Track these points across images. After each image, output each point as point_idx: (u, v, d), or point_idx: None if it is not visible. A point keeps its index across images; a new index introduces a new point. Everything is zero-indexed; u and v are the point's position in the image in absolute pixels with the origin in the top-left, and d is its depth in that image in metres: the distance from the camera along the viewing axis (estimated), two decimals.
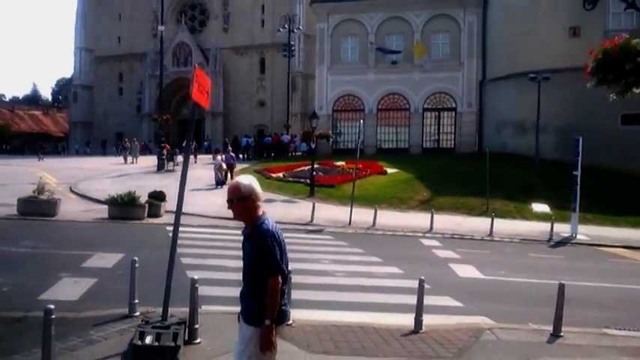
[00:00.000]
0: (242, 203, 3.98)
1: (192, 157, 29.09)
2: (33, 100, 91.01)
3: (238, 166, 28.58)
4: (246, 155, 37.38)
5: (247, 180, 4.04)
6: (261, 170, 26.71)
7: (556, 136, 27.75)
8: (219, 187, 22.38)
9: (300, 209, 18.61)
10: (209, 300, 7.53)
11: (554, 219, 16.70)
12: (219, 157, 23.48)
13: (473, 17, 34.82)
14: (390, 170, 26.00)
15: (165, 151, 30.02)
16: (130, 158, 35.72)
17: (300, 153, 37.26)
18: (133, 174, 27.31)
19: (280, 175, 25.28)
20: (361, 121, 20.30)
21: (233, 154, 27.89)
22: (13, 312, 6.99)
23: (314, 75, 39.60)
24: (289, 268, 4.03)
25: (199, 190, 21.70)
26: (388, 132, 36.16)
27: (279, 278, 3.75)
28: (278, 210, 18.41)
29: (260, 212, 4.01)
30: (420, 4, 35.02)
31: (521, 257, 13.19)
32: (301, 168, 26.55)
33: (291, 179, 24.23)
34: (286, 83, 44.59)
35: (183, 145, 36.93)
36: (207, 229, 14.79)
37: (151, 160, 32.81)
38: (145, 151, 52.21)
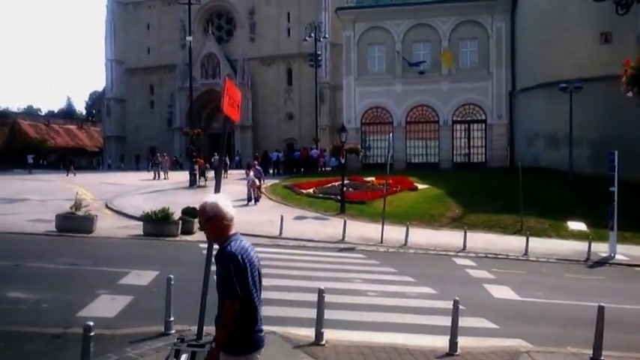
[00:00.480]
0: (210, 223, 3.90)
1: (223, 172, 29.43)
2: (68, 114, 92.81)
3: (269, 182, 28.87)
4: (276, 170, 37.67)
5: (212, 199, 3.95)
6: (291, 186, 26.91)
7: (590, 149, 27.15)
8: (250, 203, 22.64)
9: (331, 227, 18.70)
10: None
11: (591, 238, 16.37)
12: (251, 173, 23.76)
13: (501, 23, 34.50)
14: (420, 186, 25.93)
15: (197, 167, 30.55)
16: (161, 174, 36.16)
17: (329, 168, 37.37)
18: (166, 190, 27.84)
19: (311, 191, 25.43)
20: (390, 134, 20.34)
21: (259, 168, 27.84)
22: (52, 328, 7.21)
23: (341, 86, 39.80)
24: (259, 294, 3.88)
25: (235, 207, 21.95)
26: (417, 146, 36.06)
27: (236, 303, 3.67)
28: (309, 227, 18.58)
29: (230, 232, 3.95)
30: (447, 10, 34.89)
31: (557, 278, 12.97)
32: (331, 184, 26.66)
33: (321, 195, 24.35)
34: (314, 94, 44.92)
35: (213, 159, 37.28)
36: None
37: (182, 176, 33.44)
38: (176, 166, 53.11)
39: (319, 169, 37.50)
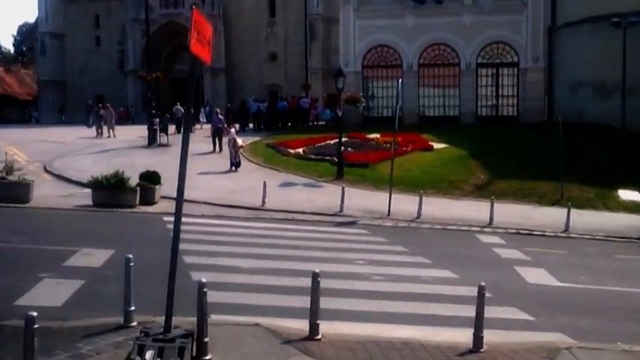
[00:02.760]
0: None
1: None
2: None
3: (248, 139, 28.82)
4: (257, 125, 37.55)
5: None
6: (276, 145, 26.93)
7: None
8: (232, 169, 22.69)
9: (326, 195, 18.83)
10: (219, 308, 7.71)
11: None
12: (232, 131, 23.66)
13: None
14: (436, 145, 25.99)
15: (157, 120, 30.35)
16: (104, 130, 34.58)
17: (323, 122, 37.29)
18: (119, 149, 27.71)
19: (300, 151, 25.47)
20: (399, 80, 20.27)
21: (221, 117, 28.33)
22: None
23: (337, 19, 39.25)
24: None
25: (206, 172, 22.11)
26: (433, 95, 35.94)
27: None
28: (299, 196, 18.73)
29: None
30: None
31: (605, 259, 13.17)
32: (326, 142, 26.65)
33: (313, 157, 24.39)
34: (303, 30, 44.38)
35: (175, 109, 37.10)
36: (215, 221, 15.18)
37: (135, 132, 33.31)
38: (127, 119, 52.53)
39: (310, 124, 37.40)
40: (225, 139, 25.22)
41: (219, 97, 55.32)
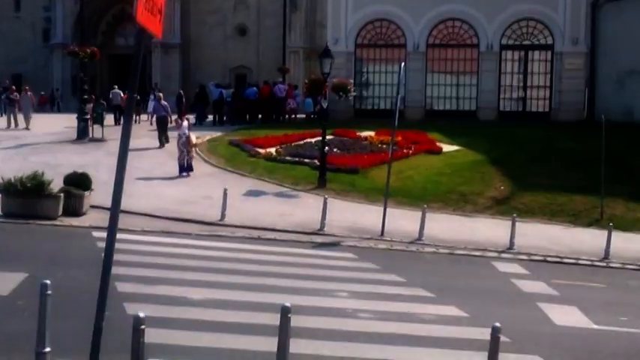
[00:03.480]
0: None
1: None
2: None
3: (206, 135, 28.76)
4: (218, 117, 37.51)
5: None
6: (242, 142, 27.02)
7: None
8: (184, 174, 22.61)
9: (303, 208, 18.94)
10: (160, 351, 7.71)
11: None
12: (185, 124, 23.51)
13: None
14: (446, 147, 26.21)
15: (91, 107, 30.17)
16: (19, 119, 33.66)
17: (303, 115, 37.48)
18: (40, 144, 27.59)
19: (272, 151, 25.55)
20: (402, 64, 20.32)
21: (165, 104, 28.54)
22: None
23: None
24: None
25: (152, 176, 22.09)
26: (444, 83, 36.16)
27: None
28: (268, 209, 18.82)
29: None
30: None
31: None
32: (306, 140, 26.74)
33: (289, 158, 24.47)
34: None
35: (111, 95, 37.42)
36: (159, 238, 15.22)
37: (62, 122, 33.15)
38: (52, 105, 52.23)
39: (287, 117, 37.48)
40: (174, 135, 25.15)
41: (171, 81, 55.33)
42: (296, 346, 7.36)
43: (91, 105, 30.57)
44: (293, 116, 37.63)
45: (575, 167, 22.83)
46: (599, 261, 15.90)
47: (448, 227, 18.03)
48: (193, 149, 23.65)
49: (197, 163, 23.55)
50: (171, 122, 27.25)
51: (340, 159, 23.87)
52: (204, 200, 19.08)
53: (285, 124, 34.27)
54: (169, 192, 20.21)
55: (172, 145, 24.84)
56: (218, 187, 19.13)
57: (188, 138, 22.77)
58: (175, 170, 22.67)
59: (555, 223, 19.40)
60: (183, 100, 35.92)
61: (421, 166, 23.91)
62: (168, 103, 29.96)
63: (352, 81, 32.17)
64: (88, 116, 29.52)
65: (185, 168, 22.68)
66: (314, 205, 18.46)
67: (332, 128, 25.98)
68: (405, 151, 24.82)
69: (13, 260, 11.92)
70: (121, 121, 27.50)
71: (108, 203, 6.74)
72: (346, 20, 36.17)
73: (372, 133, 27.25)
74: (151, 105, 34.69)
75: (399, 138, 24.48)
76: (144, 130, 30.38)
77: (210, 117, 37.08)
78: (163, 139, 27.12)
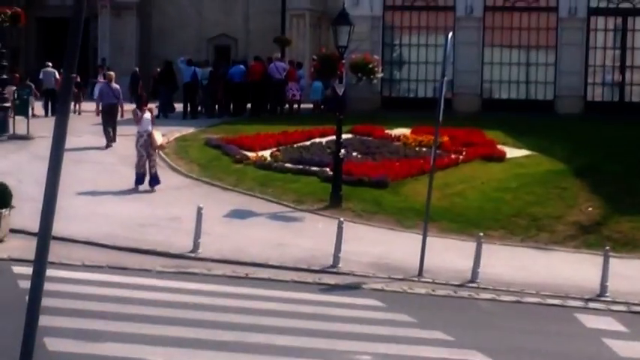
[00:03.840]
0: None
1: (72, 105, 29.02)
2: None
3: (174, 131, 28.73)
4: (190, 106, 37.51)
5: None
6: (223, 142, 27.15)
7: None
8: (145, 187, 22.45)
9: (309, 236, 19.03)
10: None
11: None
12: (147, 117, 23.22)
13: None
14: (512, 152, 26.30)
15: (13, 89, 30.13)
16: None
17: (310, 106, 37.65)
18: None
19: (267, 154, 25.57)
20: (449, 35, 20.26)
21: (117, 87, 28.56)
22: None
23: None
24: None
25: (97, 190, 22.01)
26: (509, 61, 36.35)
27: None
28: (260, 236, 18.82)
29: None
30: None
31: None
32: (313, 140, 26.90)
33: (290, 166, 24.49)
34: None
35: (42, 75, 37.29)
36: (107, 276, 15.16)
37: None
38: None
39: (287, 108, 37.52)
40: (128, 131, 25.06)
41: (125, 55, 55.38)
42: None
43: (13, 88, 30.47)
44: (295, 106, 37.68)
45: None
46: None
47: (513, 264, 17.93)
48: (156, 153, 23.49)
49: (161, 172, 23.49)
50: (122, 114, 27.24)
51: (362, 167, 23.84)
52: (170, 223, 19.11)
53: (285, 118, 34.29)
54: (122, 212, 20.20)
55: (124, 146, 24.80)
56: (189, 205, 19.03)
57: (151, 137, 22.69)
58: (131, 181, 22.61)
59: None
60: (140, 82, 35.91)
61: (476, 178, 23.90)
62: (121, 86, 29.89)
63: (379, 58, 32.16)
64: (8, 104, 29.28)
65: (145, 179, 22.56)
66: (324, 231, 18.45)
67: (350, 124, 25.95)
68: (453, 156, 24.83)
69: None
70: (55, 112, 27.45)
71: (35, 227, 6.61)
72: None
73: (406, 131, 27.24)
74: (97, 89, 34.71)
75: (445, 138, 24.45)
76: (86, 124, 30.29)
77: (180, 106, 37.09)
78: (111, 135, 27.17)
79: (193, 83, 37.64)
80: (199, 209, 17.54)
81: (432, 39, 34.69)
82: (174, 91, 37.38)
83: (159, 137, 23.36)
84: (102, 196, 21.58)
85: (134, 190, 22.41)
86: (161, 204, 21.00)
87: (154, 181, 22.58)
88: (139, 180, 22.62)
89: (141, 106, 24.01)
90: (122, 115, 27.41)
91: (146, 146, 22.59)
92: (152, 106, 29.02)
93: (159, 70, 39.52)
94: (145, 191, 22.37)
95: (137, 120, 23.18)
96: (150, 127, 22.85)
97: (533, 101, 35.33)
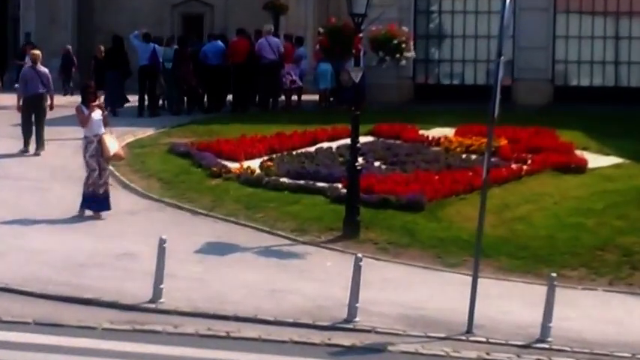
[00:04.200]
0: None
1: None
2: None
3: (126, 134, 28.78)
4: (149, 99, 37.62)
5: None
6: (195, 149, 27.33)
7: None
8: (85, 210, 22.48)
9: (314, 278, 18.98)
10: None
11: None
12: (96, 116, 23.01)
13: None
14: (596, 160, 26.35)
15: None
16: None
17: (315, 97, 37.98)
18: None
19: (255, 165, 25.74)
20: (507, 0, 20.38)
21: (45, 70, 28.87)
22: None
23: None
24: None
25: (20, 219, 22.15)
26: (590, 35, 36.51)
27: None
28: (246, 279, 18.77)
29: None
30: None
31: None
32: (319, 145, 27.12)
33: (287, 181, 24.65)
34: None
35: None
36: (33, 335, 15.02)
37: None
38: None
39: (283, 99, 37.63)
40: (62, 131, 25.09)
41: (57, 29, 55.62)
42: None
43: None
44: (294, 98, 37.86)
45: None
46: None
47: (599, 316, 17.81)
48: (108, 164, 23.42)
49: (113, 191, 23.57)
50: (52, 107, 27.26)
51: (387, 182, 23.90)
52: (122, 262, 19.13)
53: (280, 114, 34.39)
54: (55, 247, 20.21)
55: (56, 154, 24.83)
56: (148, 236, 19.16)
57: (102, 144, 22.72)
58: (68, 204, 22.67)
59: None
60: (75, 63, 36.02)
61: (546, 196, 23.97)
62: (50, 71, 29.97)
63: (410, 30, 32.18)
64: None
65: (96, 201, 22.62)
66: (335, 272, 18.52)
67: (371, 122, 26.01)
68: (514, 167, 24.93)
69: None
70: None
71: None
72: None
73: (448, 132, 27.32)
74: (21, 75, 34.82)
75: (503, 141, 24.54)
76: (4, 125, 30.38)
77: (134, 99, 37.21)
78: (39, 139, 27.06)
79: (152, 67, 37.87)
80: (162, 242, 17.53)
81: (483, 3, 34.78)
82: (125, 78, 37.60)
83: (113, 144, 23.14)
84: (27, 226, 21.64)
85: (79, 218, 22.53)
86: (109, 235, 21.01)
87: (103, 204, 22.65)
88: (88, 203, 22.72)
89: (88, 101, 23.62)
90: (51, 108, 27.50)
91: (98, 156, 22.64)
92: (100, 98, 29.04)
93: (102, 48, 39.74)
94: (90, 218, 22.48)
95: (83, 121, 22.98)
96: (101, 130, 22.80)
97: (624, 89, 35.44)
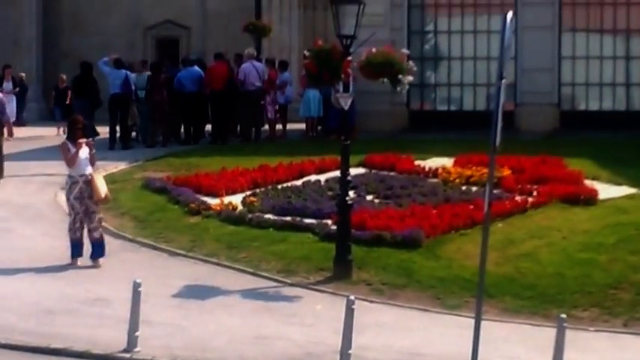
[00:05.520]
0: None
1: None
2: None
3: (97, 168, 28.80)
4: (121, 130, 37.64)
5: None
6: (172, 185, 27.45)
7: None
8: (78, 258, 22.41)
9: (302, 324, 18.92)
10: None
11: None
12: (83, 153, 22.74)
13: None
14: (607, 190, 26.41)
15: None
16: None
17: (302, 126, 37.97)
18: None
19: (237, 201, 25.86)
20: (507, 17, 20.43)
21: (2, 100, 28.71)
22: None
23: None
24: None
25: None
26: (599, 55, 36.67)
27: None
28: (231, 326, 18.73)
29: None
30: None
31: None
32: (306, 178, 27.22)
33: (271, 217, 24.70)
34: None
35: None
36: None
37: None
38: None
39: (267, 130, 37.65)
40: (21, 166, 25.04)
41: (20, 54, 55.67)
42: None
43: None
44: (279, 127, 37.87)
45: None
46: None
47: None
48: (100, 206, 23.25)
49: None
50: (9, 135, 27.09)
51: (381, 217, 23.93)
52: (94, 309, 19.09)
53: (264, 145, 34.43)
54: (21, 293, 20.19)
55: (19, 190, 24.82)
56: (121, 280, 19.20)
57: (92, 185, 22.55)
58: (34, 245, 22.67)
59: None
60: (28, 91, 36.00)
61: (554, 230, 23.95)
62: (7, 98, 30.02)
63: (406, 52, 32.19)
64: None
65: (92, 247, 22.53)
66: (326, 316, 18.53)
67: (362, 152, 26.04)
68: (518, 199, 24.94)
69: None
70: None
71: None
72: None
73: (447, 162, 27.38)
74: None
75: (506, 172, 24.59)
76: None
77: (104, 130, 37.22)
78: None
79: (124, 95, 37.88)
80: (136, 286, 17.52)
81: (482, 22, 34.92)
82: (95, 108, 37.54)
83: (103, 185, 22.97)
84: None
85: (71, 266, 22.38)
86: (79, 279, 21.02)
87: (98, 250, 22.50)
88: (77, 249, 22.56)
89: (75, 138, 23.14)
90: (10, 134, 27.52)
91: (83, 198, 22.49)
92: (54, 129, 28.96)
93: (64, 77, 39.81)
94: (55, 260, 22.35)
95: (70, 160, 22.60)
96: (88, 170, 22.63)
97: (636, 114, 35.54)
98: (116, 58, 40.25)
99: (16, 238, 23.34)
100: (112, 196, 26.63)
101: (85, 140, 23.07)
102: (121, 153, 33.50)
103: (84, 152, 22.53)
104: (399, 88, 30.56)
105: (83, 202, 22.32)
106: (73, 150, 22.41)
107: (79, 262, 22.38)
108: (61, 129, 37.73)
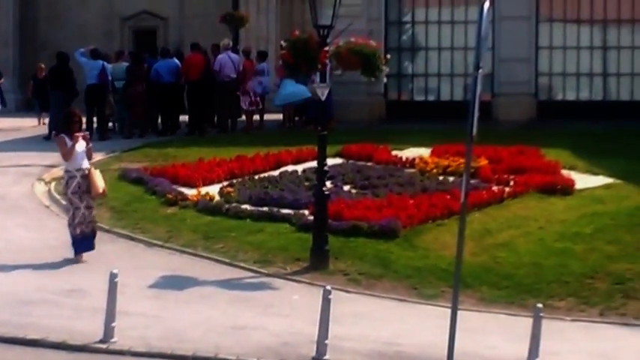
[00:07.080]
0: None
1: None
2: None
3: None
4: (98, 121, 37.53)
5: None
6: (148, 174, 27.52)
7: None
8: (82, 253, 22.23)
9: (279, 314, 18.91)
10: None
11: None
12: (80, 147, 22.57)
13: None
14: (584, 181, 26.54)
15: None
16: None
17: (279, 116, 38.04)
18: None
19: (214, 192, 25.86)
20: (484, 4, 20.41)
21: None
22: None
23: None
24: None
25: None
26: (576, 45, 36.94)
27: None
28: (208, 316, 18.73)
29: None
30: None
31: None
32: (283, 168, 27.28)
33: (248, 208, 24.72)
34: None
35: None
36: None
37: None
38: None
39: (244, 120, 37.62)
40: (13, 160, 25.06)
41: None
42: None
43: None
44: (256, 118, 37.82)
45: None
46: None
47: (590, 350, 17.78)
48: (94, 203, 23.05)
49: (53, 220, 23.48)
50: None
51: (358, 207, 23.98)
52: (70, 299, 19.07)
53: (240, 136, 34.39)
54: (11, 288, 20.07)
55: None
56: (98, 271, 19.16)
57: (90, 179, 22.42)
58: (9, 236, 22.64)
59: None
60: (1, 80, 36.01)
61: (531, 220, 24.05)
62: None
63: (383, 49, 32.23)
64: None
65: (83, 241, 22.44)
66: (302, 306, 18.56)
67: (339, 142, 26.03)
68: (495, 189, 25.01)
69: None
70: None
71: None
72: None
73: (424, 152, 27.39)
74: None
75: (484, 162, 24.62)
76: None
77: (96, 121, 37.14)
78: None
79: (101, 86, 37.78)
80: (113, 277, 17.46)
81: (460, 12, 34.93)
82: (71, 99, 37.40)
83: (100, 179, 22.76)
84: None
85: (74, 261, 22.18)
86: (56, 270, 20.98)
87: (86, 244, 22.32)
88: (82, 244, 22.33)
89: (72, 131, 22.83)
90: None
91: (81, 192, 22.40)
92: (33, 120, 28.92)
93: (42, 67, 39.70)
94: (69, 261, 22.16)
95: (67, 154, 22.38)
96: (85, 164, 22.44)
97: (613, 103, 35.62)
98: (93, 48, 40.15)
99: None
100: None
101: (82, 134, 22.94)
102: (98, 144, 33.34)
103: (80, 146, 22.33)
104: (377, 79, 30.71)
105: (83, 197, 22.23)
106: (69, 143, 22.19)
107: (84, 257, 22.13)
108: (42, 120, 37.72)
